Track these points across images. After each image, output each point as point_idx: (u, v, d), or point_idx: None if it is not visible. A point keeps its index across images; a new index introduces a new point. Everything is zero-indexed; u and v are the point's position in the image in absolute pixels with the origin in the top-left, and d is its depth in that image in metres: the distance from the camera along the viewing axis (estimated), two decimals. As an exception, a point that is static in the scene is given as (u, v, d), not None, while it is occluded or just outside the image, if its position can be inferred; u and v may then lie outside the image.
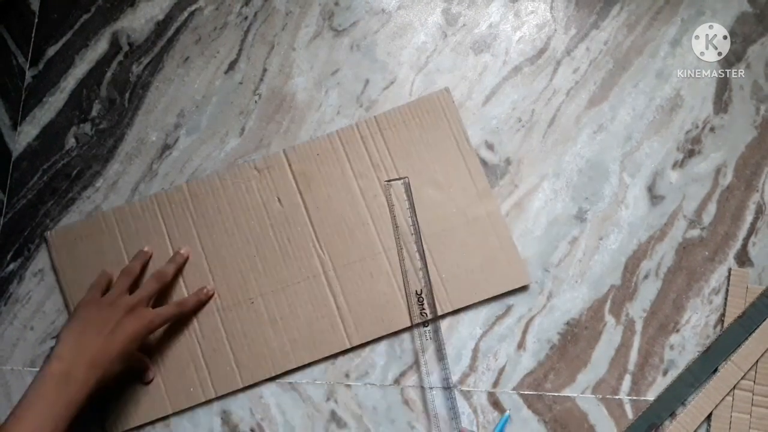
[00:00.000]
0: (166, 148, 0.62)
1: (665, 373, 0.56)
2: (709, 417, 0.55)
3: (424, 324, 0.56)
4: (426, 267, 0.56)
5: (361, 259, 0.58)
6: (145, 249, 0.58)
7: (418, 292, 0.56)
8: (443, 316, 0.57)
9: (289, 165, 0.60)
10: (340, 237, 0.58)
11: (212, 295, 0.57)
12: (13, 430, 0.41)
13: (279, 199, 0.59)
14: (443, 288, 0.57)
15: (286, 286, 0.57)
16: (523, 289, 0.58)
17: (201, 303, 0.57)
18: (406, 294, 0.56)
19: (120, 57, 0.64)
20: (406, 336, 0.57)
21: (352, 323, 0.57)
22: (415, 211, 0.57)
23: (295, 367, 0.57)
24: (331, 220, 0.58)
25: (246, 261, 0.58)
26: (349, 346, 0.57)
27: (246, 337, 0.57)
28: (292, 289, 0.57)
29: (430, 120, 0.60)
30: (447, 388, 0.55)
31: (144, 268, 0.57)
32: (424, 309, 0.56)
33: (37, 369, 0.58)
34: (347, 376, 0.57)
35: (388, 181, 0.58)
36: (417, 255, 0.57)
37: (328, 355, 0.57)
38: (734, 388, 0.54)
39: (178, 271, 0.57)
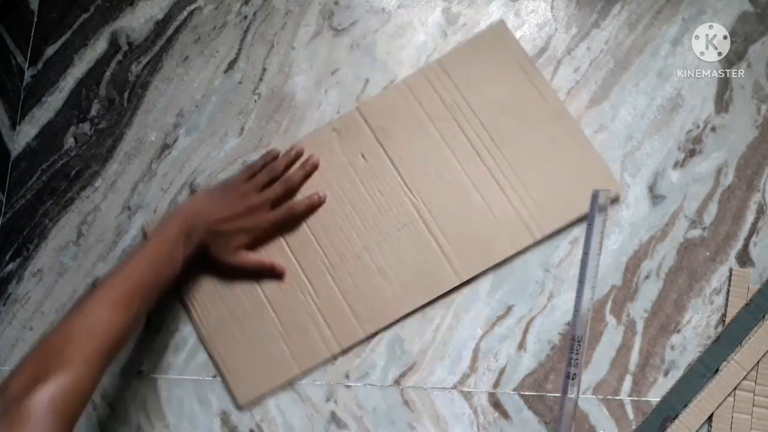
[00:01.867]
0: (166, 147, 0.62)
1: (666, 373, 0.56)
2: (710, 418, 0.54)
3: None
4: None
5: (453, 198, 0.58)
6: (294, 149, 0.59)
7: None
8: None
9: (365, 121, 0.60)
10: (429, 180, 0.59)
11: (323, 201, 0.58)
12: (129, 262, 0.49)
13: (363, 155, 0.60)
14: (539, 209, 0.57)
15: (388, 236, 0.58)
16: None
17: (312, 207, 0.58)
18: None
19: (119, 56, 0.64)
20: (407, 336, 0.57)
21: (457, 260, 0.57)
22: (605, 226, 0.57)
23: (411, 310, 0.57)
24: (417, 166, 0.59)
25: (345, 219, 0.59)
26: (458, 282, 0.57)
27: (359, 290, 0.58)
28: (393, 237, 0.58)
29: (491, 52, 0.60)
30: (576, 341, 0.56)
31: (288, 167, 0.59)
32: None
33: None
34: (347, 376, 0.57)
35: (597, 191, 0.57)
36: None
37: (441, 294, 0.57)
38: (736, 388, 0.54)
39: (305, 178, 0.58)
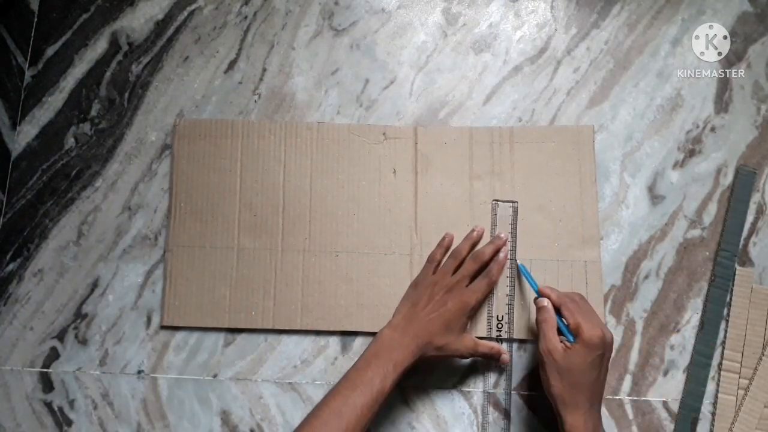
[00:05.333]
0: (166, 148, 0.62)
1: (666, 373, 0.56)
2: (713, 416, 0.55)
3: (498, 340, 0.56)
4: (513, 294, 0.56)
5: None
6: (476, 231, 0.57)
7: (499, 318, 0.56)
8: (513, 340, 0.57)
9: (416, 142, 0.60)
10: (437, 227, 0.58)
11: (505, 240, 0.57)
12: (352, 376, 0.50)
13: (395, 170, 0.59)
14: (521, 315, 0.57)
15: (373, 254, 0.58)
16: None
17: (502, 268, 0.56)
18: (487, 316, 0.56)
19: (119, 57, 0.64)
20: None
21: None
22: (516, 238, 0.57)
23: (354, 330, 0.57)
24: (435, 209, 0.59)
25: (346, 215, 0.59)
26: None
27: (320, 285, 0.58)
28: (377, 257, 0.58)
29: (563, 150, 0.59)
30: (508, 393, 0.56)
31: (471, 248, 0.57)
32: (500, 335, 0.56)
33: (37, 369, 0.59)
34: (347, 376, 0.57)
35: (496, 200, 0.58)
36: (507, 281, 0.57)
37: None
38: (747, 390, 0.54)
39: (495, 252, 0.56)
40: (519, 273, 0.56)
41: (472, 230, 0.58)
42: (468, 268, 0.55)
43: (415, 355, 0.51)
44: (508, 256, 0.57)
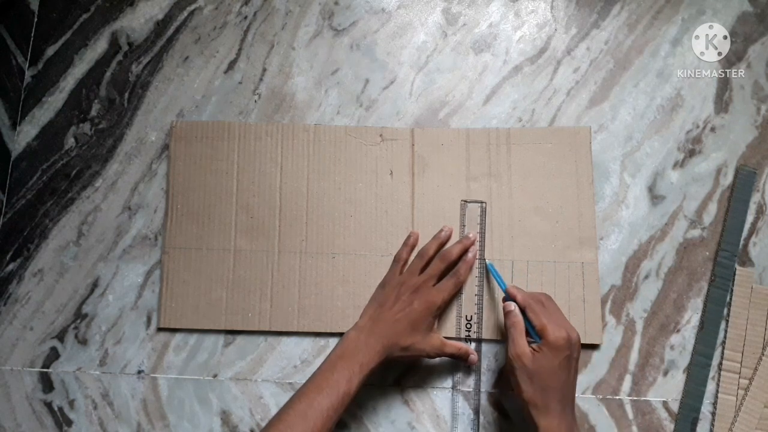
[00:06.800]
0: (166, 148, 0.62)
1: (666, 373, 0.56)
2: (713, 416, 0.55)
3: (467, 340, 0.56)
4: (482, 294, 0.56)
5: None
6: (444, 231, 0.57)
7: (468, 318, 0.56)
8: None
9: (413, 144, 0.60)
10: (434, 229, 0.58)
11: (474, 239, 0.57)
12: (318, 379, 0.50)
13: (391, 172, 0.59)
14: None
15: (370, 255, 0.58)
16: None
17: (470, 268, 0.56)
18: (456, 315, 0.56)
19: (119, 57, 0.64)
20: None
21: None
22: (484, 238, 0.57)
23: None
24: (432, 210, 0.59)
25: (343, 217, 0.59)
26: None
27: (317, 286, 0.58)
28: (374, 259, 0.58)
29: (560, 151, 0.59)
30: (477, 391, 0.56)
31: (439, 248, 0.57)
32: (469, 335, 0.56)
33: (37, 369, 0.59)
34: (347, 376, 0.57)
35: (465, 201, 0.58)
36: (476, 281, 0.57)
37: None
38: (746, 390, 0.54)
39: (463, 252, 0.56)
40: (488, 273, 0.56)
41: (441, 230, 0.58)
42: (435, 268, 0.55)
43: (380, 356, 0.51)
44: (477, 256, 0.57)
